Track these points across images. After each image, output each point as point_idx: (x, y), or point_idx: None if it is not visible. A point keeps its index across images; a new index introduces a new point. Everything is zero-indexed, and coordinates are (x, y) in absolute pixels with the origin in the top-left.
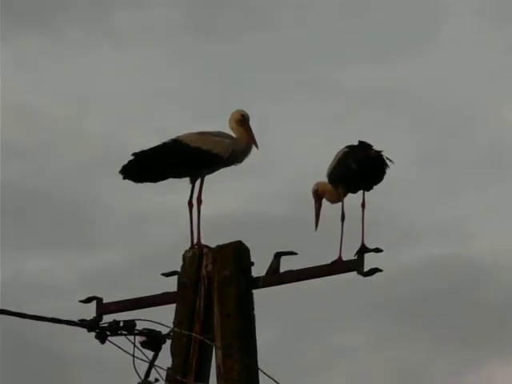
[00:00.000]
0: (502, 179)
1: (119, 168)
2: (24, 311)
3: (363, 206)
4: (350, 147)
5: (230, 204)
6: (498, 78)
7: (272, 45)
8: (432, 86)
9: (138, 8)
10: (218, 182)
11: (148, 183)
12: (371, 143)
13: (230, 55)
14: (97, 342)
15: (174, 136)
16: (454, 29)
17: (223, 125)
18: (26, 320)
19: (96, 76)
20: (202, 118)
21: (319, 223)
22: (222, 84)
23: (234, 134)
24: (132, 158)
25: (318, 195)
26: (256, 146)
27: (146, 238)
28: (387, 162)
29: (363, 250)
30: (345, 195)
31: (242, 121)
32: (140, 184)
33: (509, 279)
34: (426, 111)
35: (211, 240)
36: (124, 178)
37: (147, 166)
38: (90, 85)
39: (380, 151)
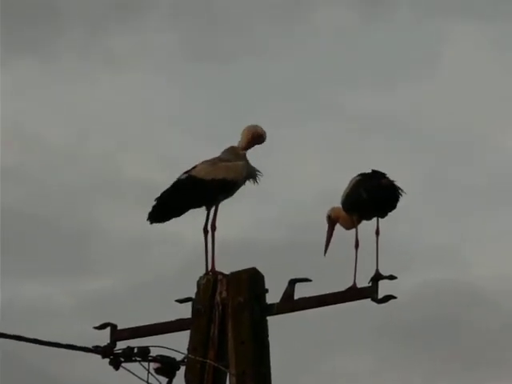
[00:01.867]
0: (502, 206)
1: (118, 192)
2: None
3: (377, 233)
4: (363, 175)
5: (239, 230)
6: (500, 104)
7: (271, 69)
8: (433, 111)
9: (135, 32)
10: (223, 208)
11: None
12: (383, 171)
13: (228, 79)
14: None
15: (177, 163)
16: (456, 54)
17: (221, 147)
18: (21, 345)
19: (94, 100)
20: (200, 140)
21: (328, 249)
22: (221, 108)
23: (240, 142)
24: (154, 202)
25: (332, 220)
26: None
27: (146, 263)
28: (399, 191)
29: (377, 277)
30: (359, 222)
31: (258, 140)
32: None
33: (507, 305)
34: (426, 137)
35: (223, 266)
36: (151, 223)
37: (169, 207)
38: (89, 109)
39: (392, 181)
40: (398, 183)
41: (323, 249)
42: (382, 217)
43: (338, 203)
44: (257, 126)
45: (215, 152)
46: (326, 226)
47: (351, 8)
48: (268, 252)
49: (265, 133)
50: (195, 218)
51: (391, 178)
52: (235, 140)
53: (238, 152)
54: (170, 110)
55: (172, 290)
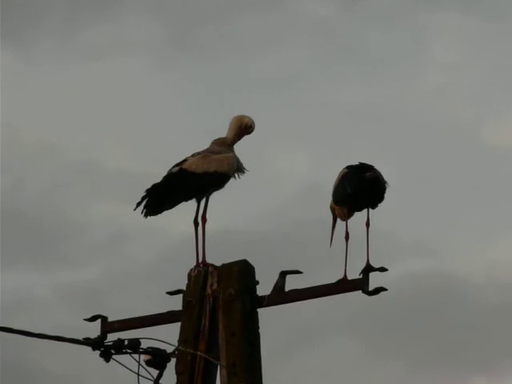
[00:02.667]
0: (484, 200)
1: (96, 184)
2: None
3: (367, 224)
4: (350, 168)
5: (230, 222)
6: (485, 100)
7: (257, 61)
8: (419, 106)
9: (114, 23)
10: (214, 200)
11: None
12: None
13: (212, 71)
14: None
15: (155, 155)
16: (443, 50)
17: (208, 139)
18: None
19: (70, 92)
20: (179, 132)
21: (333, 240)
22: (205, 99)
23: (228, 133)
24: (144, 194)
25: (332, 211)
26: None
27: (124, 254)
28: (384, 183)
29: (368, 268)
30: (350, 215)
31: (246, 130)
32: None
33: (486, 297)
34: (412, 129)
35: (213, 258)
36: (146, 217)
37: (161, 200)
38: (66, 101)
39: (376, 174)
40: (383, 174)
41: (311, 241)
42: (373, 208)
43: (324, 195)
44: (244, 115)
45: (197, 144)
46: (311, 219)
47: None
48: (252, 244)
49: (253, 122)
50: (175, 209)
51: (378, 170)
52: (219, 132)
53: (227, 143)
54: (149, 102)
55: (151, 281)
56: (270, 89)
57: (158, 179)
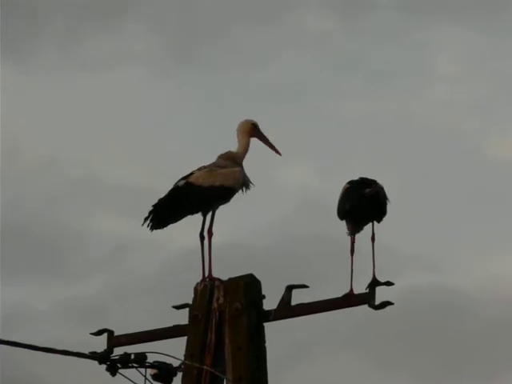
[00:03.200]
0: (485, 214)
1: (96, 198)
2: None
3: (373, 239)
4: (351, 183)
5: (236, 235)
6: (486, 114)
7: (256, 75)
8: (421, 120)
9: (114, 35)
10: (220, 214)
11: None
12: (372, 178)
13: (213, 84)
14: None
15: (154, 168)
16: (444, 63)
17: (207, 149)
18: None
19: (70, 105)
20: (179, 145)
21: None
22: (204, 112)
23: (239, 144)
24: (151, 208)
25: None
26: (279, 153)
27: (125, 269)
28: (384, 199)
29: (374, 283)
30: (356, 230)
31: (255, 130)
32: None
33: (488, 311)
34: (414, 144)
35: (219, 272)
36: (152, 230)
37: (167, 213)
38: (65, 115)
39: (376, 190)
40: (385, 187)
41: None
42: (378, 221)
43: (322, 209)
44: (244, 122)
45: (197, 156)
46: (317, 232)
47: (334, 11)
48: (259, 258)
49: (255, 122)
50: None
51: (380, 184)
52: (220, 143)
53: (234, 157)
54: (149, 115)
55: (152, 294)
56: (270, 102)
57: (159, 192)
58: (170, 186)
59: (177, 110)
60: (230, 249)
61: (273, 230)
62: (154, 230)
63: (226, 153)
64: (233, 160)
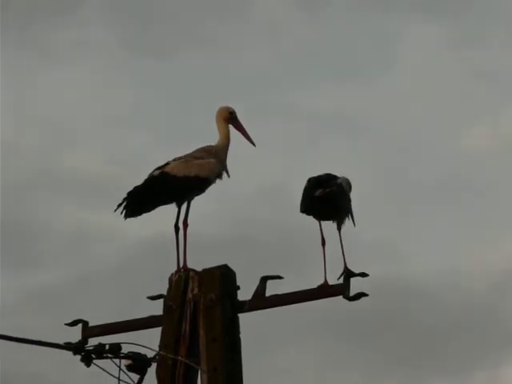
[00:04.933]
0: (445, 203)
1: (57, 186)
2: None
3: (338, 229)
4: (309, 181)
5: (209, 226)
6: (457, 104)
7: (218, 67)
8: (389, 109)
9: (71, 26)
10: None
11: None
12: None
13: (172, 74)
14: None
15: (116, 157)
16: (414, 53)
17: (167, 137)
18: None
19: (31, 93)
20: (140, 134)
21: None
22: (164, 102)
23: (219, 133)
24: (126, 196)
25: None
26: (253, 143)
27: (88, 256)
28: (338, 198)
29: (347, 273)
30: (319, 221)
31: (231, 118)
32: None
33: (447, 300)
34: (381, 135)
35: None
36: (126, 218)
37: (142, 202)
38: (26, 102)
39: (326, 192)
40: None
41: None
42: (338, 221)
43: (281, 199)
44: (221, 109)
45: (162, 146)
46: (291, 224)
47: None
48: (233, 249)
49: (232, 109)
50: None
51: (341, 181)
52: (178, 132)
53: (215, 151)
54: (109, 104)
55: (115, 284)
56: (240, 95)
57: (121, 181)
58: (132, 175)
59: (138, 98)
60: (204, 239)
61: (247, 221)
62: (118, 219)
63: (204, 146)
64: (208, 152)
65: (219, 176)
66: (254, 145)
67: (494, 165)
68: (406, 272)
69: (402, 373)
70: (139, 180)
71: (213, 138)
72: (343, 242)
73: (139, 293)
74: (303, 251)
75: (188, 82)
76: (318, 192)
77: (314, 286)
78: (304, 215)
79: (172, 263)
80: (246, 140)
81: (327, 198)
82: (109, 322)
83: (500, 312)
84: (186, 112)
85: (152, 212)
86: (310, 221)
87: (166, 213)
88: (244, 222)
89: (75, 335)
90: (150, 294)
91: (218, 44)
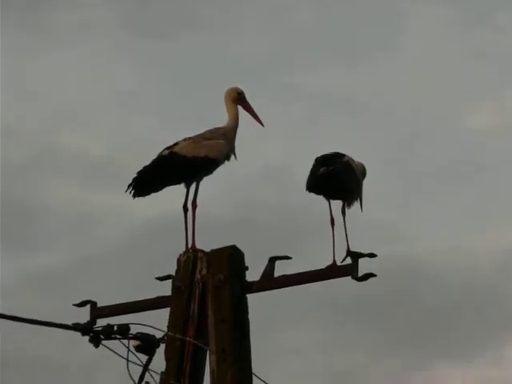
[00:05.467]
0: (448, 184)
1: (58, 167)
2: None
3: (342, 212)
4: (316, 160)
5: (219, 207)
6: (462, 85)
7: (221, 47)
8: (393, 90)
9: (71, 7)
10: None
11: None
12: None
13: (174, 55)
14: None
15: (117, 138)
16: (417, 34)
17: (168, 118)
18: None
19: (32, 74)
20: (142, 116)
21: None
22: (166, 84)
23: (228, 112)
24: (135, 175)
25: None
26: (262, 124)
27: (91, 237)
28: (342, 175)
29: (353, 254)
30: (328, 200)
31: (240, 99)
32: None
33: (451, 281)
34: (386, 115)
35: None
36: (134, 198)
37: (150, 182)
38: (27, 84)
39: (330, 170)
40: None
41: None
42: (348, 201)
43: (284, 180)
44: (230, 89)
45: (161, 129)
46: (301, 204)
47: None
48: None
49: (241, 90)
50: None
51: (346, 160)
52: (180, 116)
53: (223, 132)
54: (111, 86)
55: (119, 265)
56: (242, 75)
57: (122, 162)
58: (133, 156)
59: (139, 81)
60: (213, 220)
61: (256, 201)
62: (107, 199)
63: (213, 128)
64: (217, 133)
65: (227, 157)
66: (262, 125)
67: (496, 146)
68: (411, 253)
69: (407, 352)
70: (141, 162)
71: (216, 120)
72: (347, 225)
73: (144, 274)
74: (307, 232)
75: (189, 63)
76: (322, 170)
77: (318, 266)
78: (313, 195)
79: (178, 243)
80: (254, 120)
81: (330, 176)
82: (114, 303)
83: (504, 292)
84: (188, 94)
85: (159, 192)
86: (315, 201)
87: (173, 193)
88: (247, 203)
89: (76, 317)
90: (156, 275)
91: (218, 26)
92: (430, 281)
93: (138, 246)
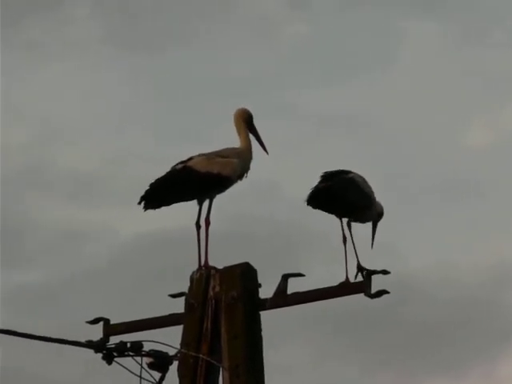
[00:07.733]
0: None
1: (47, 184)
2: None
3: (348, 226)
4: (322, 175)
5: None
6: (457, 103)
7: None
8: (389, 109)
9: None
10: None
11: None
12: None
13: (161, 71)
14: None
15: (107, 154)
16: (414, 53)
17: (157, 133)
18: None
19: (18, 88)
20: (129, 131)
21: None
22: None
23: (239, 134)
24: (148, 188)
25: None
26: (266, 151)
27: (78, 255)
28: (341, 191)
29: (367, 271)
30: (340, 219)
31: (249, 122)
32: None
33: (439, 296)
34: (382, 135)
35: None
36: (145, 210)
37: (163, 194)
38: (14, 99)
39: (327, 186)
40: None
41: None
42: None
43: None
44: (240, 110)
45: (148, 146)
46: (313, 222)
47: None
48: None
49: (251, 113)
50: (127, 209)
51: (351, 177)
52: (172, 132)
53: (235, 151)
54: (99, 101)
55: (106, 283)
56: (230, 90)
57: (113, 179)
58: (121, 173)
59: (127, 96)
60: (225, 237)
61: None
62: (95, 216)
63: (228, 148)
64: (232, 152)
65: (240, 177)
66: (267, 153)
67: (487, 163)
68: (401, 267)
69: (397, 367)
70: (129, 178)
71: (205, 133)
72: (354, 241)
73: (133, 289)
74: (300, 248)
75: (178, 78)
76: (321, 185)
77: (314, 282)
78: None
79: (168, 259)
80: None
81: (328, 191)
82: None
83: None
84: (177, 109)
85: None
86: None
87: (162, 210)
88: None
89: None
90: (144, 291)
91: (206, 40)
92: (419, 296)
93: (126, 262)
